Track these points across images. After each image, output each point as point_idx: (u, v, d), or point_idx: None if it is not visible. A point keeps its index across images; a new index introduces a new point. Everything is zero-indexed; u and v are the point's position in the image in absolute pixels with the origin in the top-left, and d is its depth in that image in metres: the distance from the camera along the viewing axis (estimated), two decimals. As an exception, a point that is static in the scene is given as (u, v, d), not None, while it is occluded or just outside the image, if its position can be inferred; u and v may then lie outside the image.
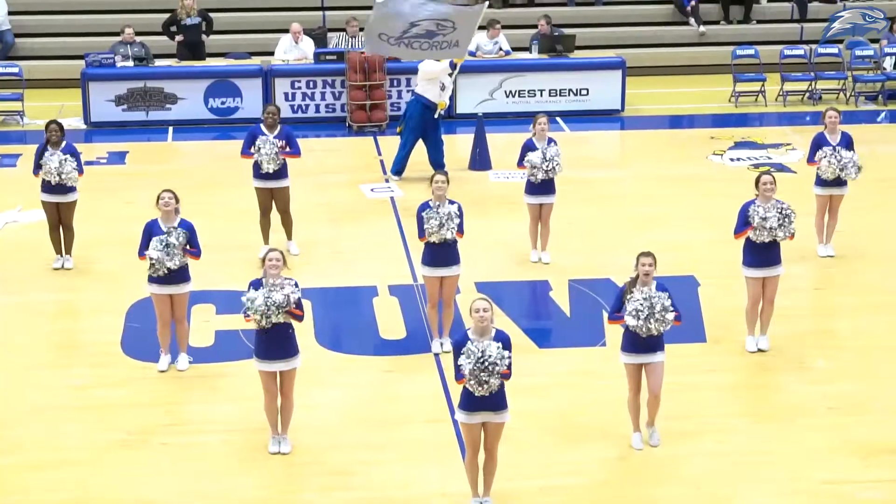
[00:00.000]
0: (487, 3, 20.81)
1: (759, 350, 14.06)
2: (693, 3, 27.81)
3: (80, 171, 16.21)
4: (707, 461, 11.93)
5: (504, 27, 24.88)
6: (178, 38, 24.40)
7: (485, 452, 11.05)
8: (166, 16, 24.73)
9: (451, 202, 13.82)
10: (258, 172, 16.43)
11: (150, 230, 13.45)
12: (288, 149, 16.28)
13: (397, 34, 18.98)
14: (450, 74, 19.97)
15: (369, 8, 27.10)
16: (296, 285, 11.79)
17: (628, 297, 11.79)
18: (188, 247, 13.42)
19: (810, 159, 16.59)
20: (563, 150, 16.42)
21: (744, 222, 13.71)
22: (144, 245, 13.40)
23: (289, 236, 16.79)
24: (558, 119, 22.90)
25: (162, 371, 13.66)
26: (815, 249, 16.74)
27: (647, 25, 28.17)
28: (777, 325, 14.25)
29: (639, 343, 11.89)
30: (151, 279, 13.47)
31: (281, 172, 16.42)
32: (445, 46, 19.09)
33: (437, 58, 19.56)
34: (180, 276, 13.50)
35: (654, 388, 12.02)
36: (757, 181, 13.89)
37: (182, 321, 13.70)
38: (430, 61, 19.78)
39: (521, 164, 16.32)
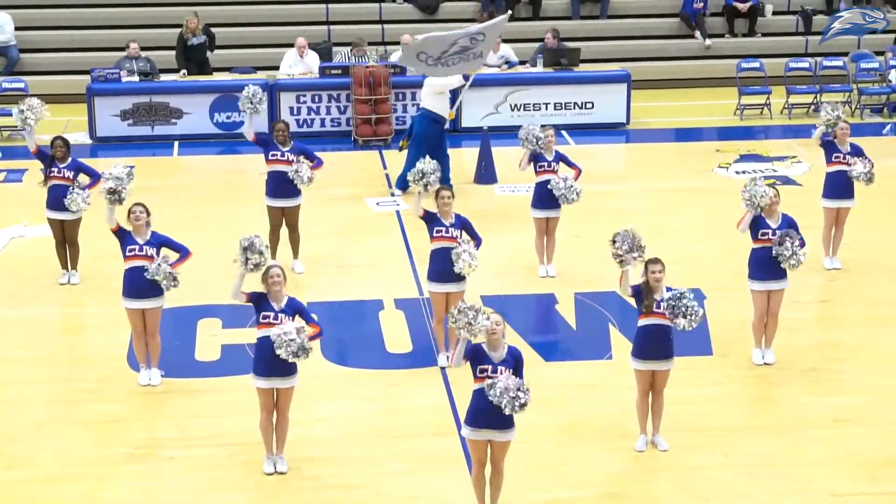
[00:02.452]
0: (510, 13, 20.98)
1: (766, 363, 14.04)
2: (704, 11, 27.80)
3: (90, 187, 16.27)
4: (714, 474, 11.91)
5: (509, 41, 24.90)
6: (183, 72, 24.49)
7: (491, 467, 11.04)
8: (170, 30, 24.76)
9: (458, 216, 13.86)
10: (271, 191, 16.42)
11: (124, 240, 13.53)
12: (312, 163, 16.35)
13: (437, 55, 19.42)
14: (464, 85, 20.17)
15: (375, 23, 27.46)
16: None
17: (645, 301, 11.99)
18: (170, 259, 13.45)
19: (829, 161, 16.55)
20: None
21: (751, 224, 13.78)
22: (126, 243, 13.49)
23: (295, 254, 16.77)
24: (563, 133, 22.90)
25: (143, 385, 13.67)
26: (822, 262, 16.72)
27: (652, 39, 28.19)
28: (783, 337, 14.25)
29: (651, 350, 12.03)
30: (125, 293, 13.50)
31: (294, 191, 16.41)
32: (472, 58, 19.62)
33: (464, 70, 19.92)
34: (153, 290, 13.50)
35: (658, 388, 12.21)
36: (762, 196, 13.92)
37: (154, 336, 13.68)
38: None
39: (536, 168, 16.36)
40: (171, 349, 14.10)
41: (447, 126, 20.02)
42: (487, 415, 10.77)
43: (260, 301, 11.81)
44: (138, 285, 13.45)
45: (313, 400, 13.16)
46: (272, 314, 11.73)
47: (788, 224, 13.82)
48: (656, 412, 12.30)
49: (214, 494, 11.65)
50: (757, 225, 13.83)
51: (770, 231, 13.77)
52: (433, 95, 19.94)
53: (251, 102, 16.53)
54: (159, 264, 13.29)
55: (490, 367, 10.76)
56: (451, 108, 20.08)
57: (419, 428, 12.83)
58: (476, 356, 10.82)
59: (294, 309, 11.82)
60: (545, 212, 16.37)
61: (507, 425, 10.86)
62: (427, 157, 14.36)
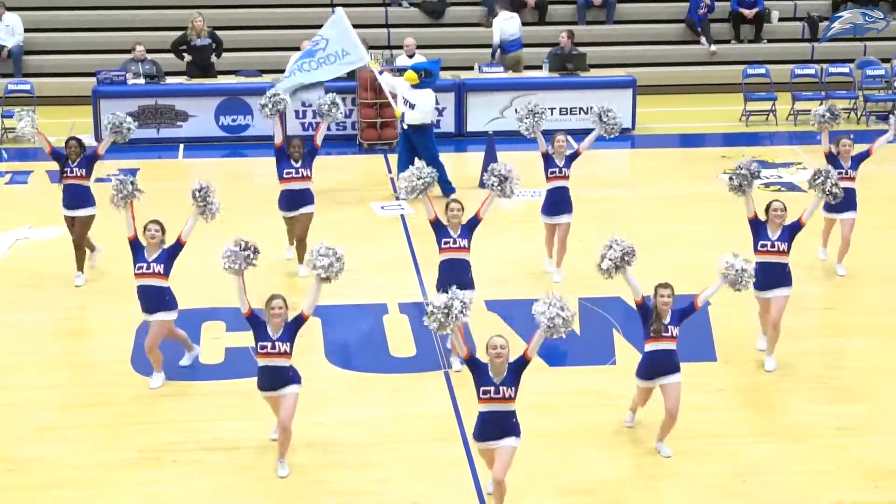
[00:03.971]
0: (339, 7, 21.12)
1: (766, 371, 14.03)
2: (707, 13, 27.82)
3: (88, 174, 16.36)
4: (717, 481, 11.89)
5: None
6: (187, 57, 24.45)
7: (493, 481, 10.97)
8: (177, 33, 24.79)
9: (463, 226, 13.83)
10: (284, 206, 16.48)
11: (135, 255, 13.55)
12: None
13: (288, 72, 20.85)
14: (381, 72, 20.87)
15: (380, 26, 27.46)
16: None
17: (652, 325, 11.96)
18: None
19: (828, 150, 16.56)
20: (574, 169, 16.51)
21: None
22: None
23: (300, 259, 16.72)
24: (569, 138, 22.84)
25: (153, 388, 13.69)
26: (823, 262, 16.74)
27: (657, 44, 28.22)
28: (787, 344, 14.24)
29: (654, 369, 12.00)
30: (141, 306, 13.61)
31: (307, 199, 16.46)
32: (335, 60, 20.21)
33: (337, 73, 20.51)
34: (159, 306, 13.50)
35: (671, 409, 12.08)
36: (767, 207, 13.88)
37: (152, 350, 13.66)
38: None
39: (546, 174, 16.36)
40: (174, 352, 14.09)
41: (404, 124, 20.11)
42: (493, 433, 10.77)
43: (257, 326, 11.77)
44: (145, 302, 13.53)
45: (317, 404, 13.16)
46: (269, 344, 11.69)
47: (790, 234, 13.79)
48: (665, 424, 12.22)
49: (219, 498, 11.65)
50: (757, 236, 13.82)
51: (769, 243, 13.75)
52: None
53: (273, 106, 16.60)
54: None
55: (493, 389, 10.68)
56: (396, 105, 20.31)
57: (423, 433, 12.83)
58: (479, 376, 10.74)
59: (290, 332, 11.76)
60: (555, 218, 16.36)
61: (513, 434, 10.81)
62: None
